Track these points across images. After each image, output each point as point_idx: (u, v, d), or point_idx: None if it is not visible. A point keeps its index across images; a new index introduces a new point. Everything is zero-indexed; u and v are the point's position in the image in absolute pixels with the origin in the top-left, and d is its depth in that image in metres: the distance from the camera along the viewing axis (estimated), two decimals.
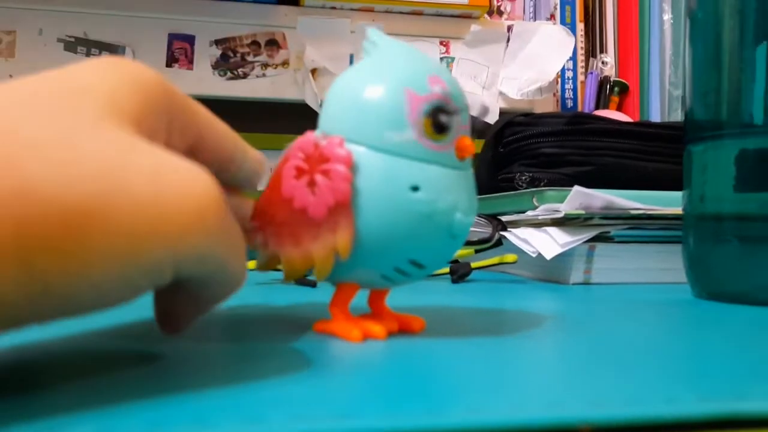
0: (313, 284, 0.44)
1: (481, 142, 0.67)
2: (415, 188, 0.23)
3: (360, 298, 0.27)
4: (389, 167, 0.23)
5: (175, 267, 0.16)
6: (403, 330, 0.26)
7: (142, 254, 0.15)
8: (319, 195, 0.23)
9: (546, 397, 0.16)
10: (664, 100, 0.95)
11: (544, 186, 0.55)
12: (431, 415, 0.15)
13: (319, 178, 0.23)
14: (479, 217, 0.54)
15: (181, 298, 0.20)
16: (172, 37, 0.84)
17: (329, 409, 0.15)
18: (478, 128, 0.23)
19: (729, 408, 0.15)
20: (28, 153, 0.14)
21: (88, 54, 0.82)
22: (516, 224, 0.55)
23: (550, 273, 0.54)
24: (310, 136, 0.25)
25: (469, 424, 0.14)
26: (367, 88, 0.24)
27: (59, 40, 0.81)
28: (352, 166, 0.23)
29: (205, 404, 0.15)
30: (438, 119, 0.24)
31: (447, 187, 0.24)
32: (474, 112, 0.25)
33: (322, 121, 0.25)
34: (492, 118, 0.77)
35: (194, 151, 0.21)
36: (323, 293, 0.40)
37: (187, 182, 0.16)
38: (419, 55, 0.26)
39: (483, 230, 0.54)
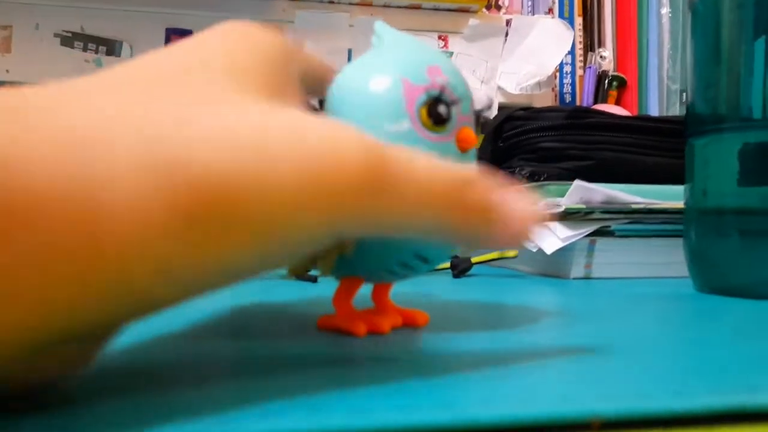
0: (313, 279, 0.44)
1: (481, 137, 0.67)
2: None
3: (362, 295, 0.27)
4: None
5: (331, 231, 0.15)
6: (407, 324, 0.26)
7: (291, 227, 0.14)
8: None
9: (555, 391, 0.16)
10: (662, 94, 0.95)
11: (544, 180, 0.54)
12: (444, 409, 0.15)
13: None
14: None
15: None
16: (170, 32, 0.84)
17: (339, 404, 0.15)
18: (483, 122, 0.22)
19: (740, 401, 0.15)
20: (181, 129, 0.14)
21: (85, 49, 0.82)
22: None
23: (550, 267, 0.54)
24: None
25: (482, 418, 0.14)
26: (368, 81, 0.24)
27: (56, 35, 0.81)
28: None
29: (214, 403, 0.15)
30: (436, 110, 0.23)
31: None
32: (479, 105, 0.24)
33: (325, 113, 0.25)
34: (491, 112, 0.77)
35: None
36: (324, 288, 0.39)
37: (333, 144, 0.15)
38: (420, 46, 0.25)
39: None
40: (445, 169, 0.18)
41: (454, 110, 0.24)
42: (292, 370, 0.19)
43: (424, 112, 0.23)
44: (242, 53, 0.17)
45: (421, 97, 0.23)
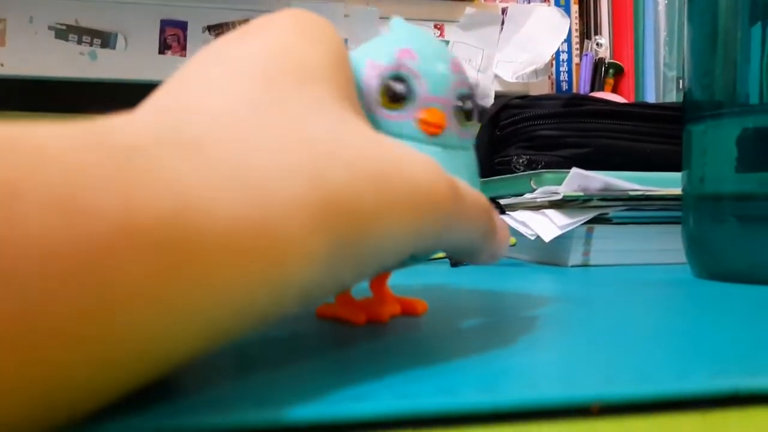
0: None
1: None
2: None
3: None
4: None
5: (415, 248, 0.17)
6: (405, 313, 0.26)
7: (396, 244, 0.16)
8: None
9: (556, 376, 0.16)
10: (659, 81, 0.95)
11: (541, 168, 0.54)
12: (445, 395, 0.15)
13: None
14: None
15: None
16: (165, 24, 0.83)
17: (337, 392, 0.15)
18: (479, 110, 0.22)
19: (741, 384, 0.15)
20: (332, 161, 0.15)
21: (79, 42, 0.81)
22: (514, 207, 0.55)
23: (548, 256, 0.54)
24: None
25: (483, 404, 0.14)
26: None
27: (50, 27, 0.81)
28: None
29: (216, 391, 0.15)
30: (391, 86, 0.22)
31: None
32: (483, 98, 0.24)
33: None
34: (488, 101, 0.77)
35: None
36: None
37: (426, 167, 0.17)
38: (407, 34, 0.25)
39: None
40: (474, 190, 0.20)
41: (417, 87, 0.23)
42: (290, 358, 0.19)
43: (382, 90, 0.22)
44: (327, 54, 0.18)
45: (380, 76, 0.22)
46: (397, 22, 0.25)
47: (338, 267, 0.15)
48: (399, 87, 0.22)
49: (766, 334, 0.23)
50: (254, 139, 0.14)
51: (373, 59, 0.23)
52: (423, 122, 0.23)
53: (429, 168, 0.17)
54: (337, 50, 0.19)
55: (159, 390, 0.15)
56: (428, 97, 0.23)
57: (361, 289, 0.27)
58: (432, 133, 0.23)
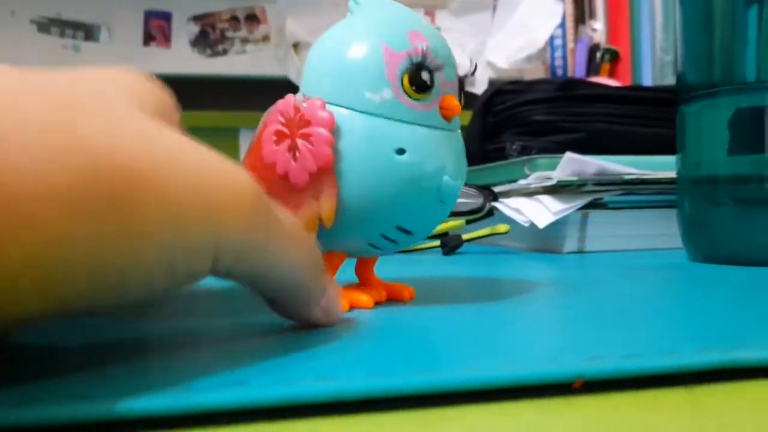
0: None
1: (469, 113, 0.66)
2: (401, 151, 0.22)
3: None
4: (373, 129, 0.22)
5: (215, 252, 0.16)
6: (392, 299, 0.26)
7: (188, 228, 0.15)
8: (300, 160, 0.22)
9: (540, 354, 0.16)
10: (655, 66, 0.94)
11: (535, 154, 0.53)
12: (418, 373, 0.14)
13: (300, 142, 0.22)
14: (470, 187, 0.53)
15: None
16: (149, 15, 0.82)
17: (313, 372, 0.14)
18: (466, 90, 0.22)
19: (725, 357, 0.15)
20: (85, 118, 0.14)
21: (62, 35, 0.80)
22: (508, 194, 0.54)
23: (543, 243, 0.53)
24: (290, 99, 0.24)
25: (462, 380, 0.14)
26: (345, 48, 0.23)
27: (32, 21, 0.79)
28: (334, 130, 0.22)
29: (194, 373, 0.14)
30: (418, 77, 0.23)
31: (434, 149, 0.23)
32: (462, 71, 0.24)
33: (303, 84, 0.24)
34: (480, 87, 0.76)
35: None
36: None
37: (228, 167, 0.16)
38: (400, 11, 0.24)
39: (474, 201, 0.53)
40: (296, 223, 0.19)
41: (437, 77, 0.23)
42: (264, 340, 0.18)
43: (406, 79, 0.23)
44: (143, 92, 0.18)
45: (403, 64, 0.23)
46: None
47: (126, 225, 0.14)
48: (426, 77, 0.23)
49: (755, 311, 0.22)
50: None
51: (387, 44, 0.23)
52: (444, 109, 0.23)
53: (237, 170, 0.16)
54: (160, 97, 0.19)
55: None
56: (445, 83, 0.23)
57: (348, 276, 0.26)
58: (450, 118, 0.24)
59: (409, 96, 0.23)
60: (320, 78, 0.24)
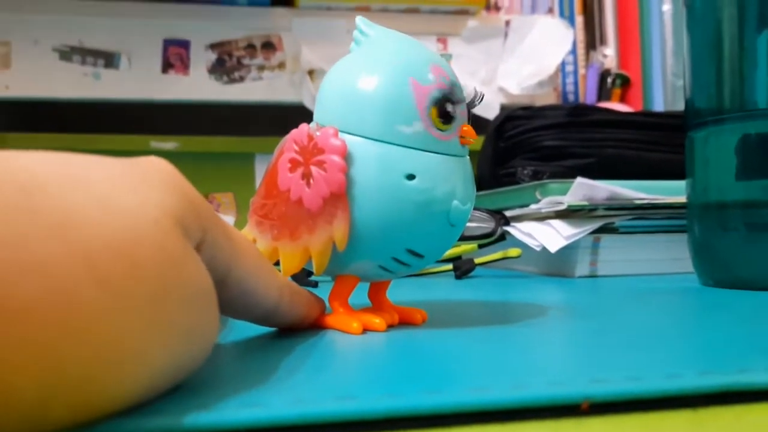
0: (314, 284, 0.43)
1: (481, 138, 0.66)
2: (411, 177, 0.23)
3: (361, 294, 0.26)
4: (384, 156, 0.23)
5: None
6: (404, 322, 0.26)
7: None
8: (314, 186, 0.23)
9: (548, 376, 0.16)
10: (667, 91, 0.94)
11: (546, 179, 0.54)
12: (429, 394, 0.14)
13: (313, 169, 0.23)
14: (482, 212, 0.53)
15: None
16: (167, 43, 0.84)
17: (328, 392, 0.15)
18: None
19: (731, 381, 0.15)
20: None
21: (83, 63, 0.82)
22: (519, 219, 0.54)
23: (555, 267, 0.53)
24: (304, 128, 0.24)
25: (471, 402, 0.14)
26: (365, 79, 0.24)
27: (54, 49, 0.81)
28: (346, 157, 0.23)
29: (213, 393, 0.15)
30: (445, 109, 0.24)
31: (443, 174, 0.24)
32: (468, 98, 0.24)
33: (317, 113, 0.25)
34: (491, 113, 0.76)
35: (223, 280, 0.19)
36: (325, 292, 0.39)
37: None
38: (414, 44, 0.25)
39: (486, 225, 0.54)
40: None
41: (458, 108, 0.24)
42: (282, 362, 0.18)
43: (434, 111, 0.24)
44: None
45: (431, 98, 0.24)
46: (364, 22, 0.25)
47: None
48: (452, 109, 0.24)
49: (763, 335, 0.23)
50: None
51: (414, 78, 0.24)
52: (463, 137, 0.25)
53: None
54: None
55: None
56: (462, 112, 0.25)
57: (361, 300, 0.27)
58: (467, 144, 0.25)
59: (437, 127, 0.24)
60: (335, 107, 0.24)
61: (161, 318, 0.14)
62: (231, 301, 0.19)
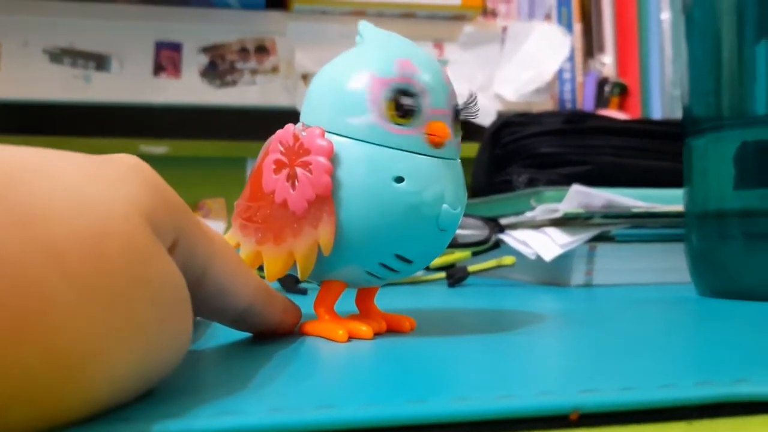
0: (303, 291, 0.42)
1: (477, 144, 0.66)
2: (399, 179, 0.22)
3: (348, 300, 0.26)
4: (371, 158, 0.22)
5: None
6: (392, 330, 0.25)
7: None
8: (299, 188, 0.22)
9: (537, 386, 0.16)
10: (665, 99, 0.94)
11: (542, 186, 0.53)
12: (413, 403, 0.14)
13: (299, 171, 0.22)
14: (475, 219, 0.53)
15: None
16: (159, 46, 0.83)
17: (308, 400, 0.14)
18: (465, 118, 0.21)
19: (727, 391, 0.15)
20: None
21: (74, 65, 0.81)
22: (514, 226, 0.53)
23: (550, 275, 0.52)
24: (290, 128, 0.24)
25: (455, 412, 0.14)
26: (339, 77, 0.24)
27: (45, 51, 0.80)
28: (332, 158, 0.22)
29: (186, 400, 0.15)
30: (399, 102, 0.23)
31: (432, 177, 0.23)
32: (460, 100, 0.23)
33: (303, 113, 0.25)
34: (488, 119, 0.76)
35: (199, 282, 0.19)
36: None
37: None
38: (399, 42, 0.25)
39: (479, 232, 0.53)
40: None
41: (423, 103, 0.23)
42: (261, 369, 0.18)
43: (390, 105, 0.23)
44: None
45: (387, 90, 0.23)
46: (364, 25, 0.25)
47: None
48: (408, 102, 0.23)
49: (760, 346, 0.22)
50: None
51: (375, 73, 0.23)
52: (431, 135, 0.23)
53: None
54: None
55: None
56: (433, 110, 0.23)
57: (348, 307, 0.26)
58: (439, 144, 0.23)
59: (392, 121, 0.23)
60: (319, 107, 0.24)
61: (128, 316, 0.13)
62: (206, 300, 0.19)
